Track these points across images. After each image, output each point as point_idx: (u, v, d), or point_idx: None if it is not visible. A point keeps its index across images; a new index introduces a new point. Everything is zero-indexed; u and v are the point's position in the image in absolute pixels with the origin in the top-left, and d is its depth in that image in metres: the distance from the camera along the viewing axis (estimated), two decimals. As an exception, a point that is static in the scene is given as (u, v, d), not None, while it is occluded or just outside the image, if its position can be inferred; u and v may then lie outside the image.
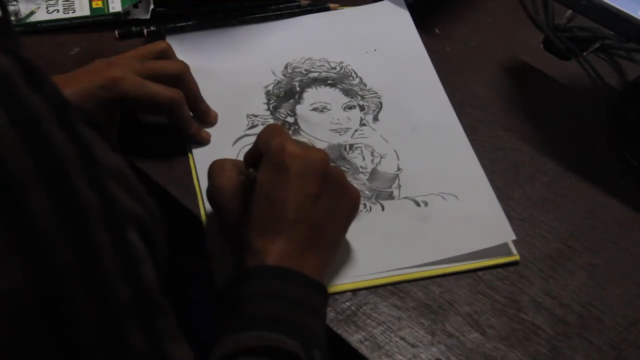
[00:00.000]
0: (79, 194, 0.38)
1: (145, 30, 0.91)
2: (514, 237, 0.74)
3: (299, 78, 0.88)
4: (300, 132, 0.83)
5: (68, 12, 0.92)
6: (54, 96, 0.39)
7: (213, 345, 0.58)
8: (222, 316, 0.61)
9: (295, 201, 0.64)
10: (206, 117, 0.82)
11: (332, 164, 0.68)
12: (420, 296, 0.71)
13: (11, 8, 0.90)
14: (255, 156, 0.68)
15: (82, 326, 0.38)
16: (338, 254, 0.70)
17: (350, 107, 0.86)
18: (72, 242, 0.37)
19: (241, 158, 0.73)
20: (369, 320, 0.69)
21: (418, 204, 0.77)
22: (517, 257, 0.74)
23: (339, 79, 0.88)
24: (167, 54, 0.82)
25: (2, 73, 0.38)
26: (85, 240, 0.38)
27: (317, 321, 0.62)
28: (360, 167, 0.80)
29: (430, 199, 0.77)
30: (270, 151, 0.66)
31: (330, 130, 0.83)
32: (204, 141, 0.81)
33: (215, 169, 0.69)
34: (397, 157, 0.81)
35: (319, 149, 0.69)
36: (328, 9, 0.96)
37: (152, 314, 0.43)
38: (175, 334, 0.46)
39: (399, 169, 0.80)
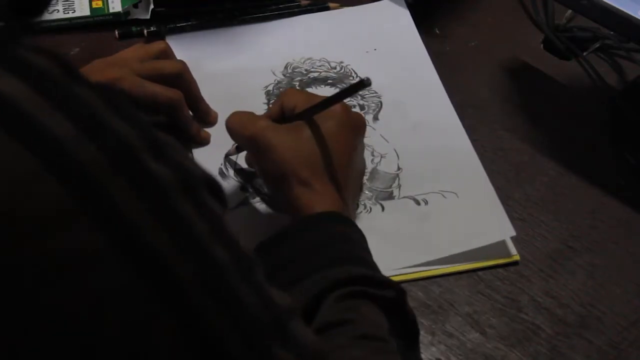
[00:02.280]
0: (215, 257, 0.38)
1: (145, 31, 0.91)
2: (514, 233, 0.74)
3: (299, 78, 0.88)
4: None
5: (68, 12, 0.92)
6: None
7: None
8: (289, 262, 0.61)
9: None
10: (206, 117, 0.82)
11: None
12: (420, 296, 0.71)
13: (11, 8, 0.90)
14: (278, 114, 0.71)
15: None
16: None
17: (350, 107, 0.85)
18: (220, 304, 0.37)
19: (241, 158, 0.73)
20: (369, 320, 0.69)
21: (418, 203, 0.77)
22: (517, 257, 0.74)
23: (339, 79, 0.88)
24: (166, 54, 0.82)
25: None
26: (229, 295, 0.38)
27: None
28: (360, 167, 0.80)
29: (430, 197, 0.77)
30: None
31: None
32: (203, 141, 0.81)
33: (248, 119, 0.70)
34: (397, 156, 0.81)
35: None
36: (328, 9, 0.97)
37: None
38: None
39: (399, 168, 0.80)
